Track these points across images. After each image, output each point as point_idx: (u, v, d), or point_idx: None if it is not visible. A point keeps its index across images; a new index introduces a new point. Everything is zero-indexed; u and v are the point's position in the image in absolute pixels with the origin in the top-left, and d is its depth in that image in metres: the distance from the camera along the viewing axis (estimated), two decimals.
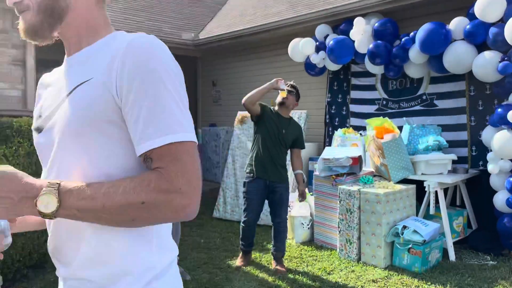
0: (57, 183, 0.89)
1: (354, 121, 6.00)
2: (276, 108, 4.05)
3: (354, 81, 6.03)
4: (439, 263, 4.26)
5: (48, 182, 0.89)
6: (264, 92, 3.84)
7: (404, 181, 4.62)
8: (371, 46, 5.13)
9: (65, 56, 1.08)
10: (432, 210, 4.45)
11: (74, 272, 1.00)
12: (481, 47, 4.40)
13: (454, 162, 4.68)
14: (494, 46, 4.27)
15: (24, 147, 3.56)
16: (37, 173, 3.72)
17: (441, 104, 5.15)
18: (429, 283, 3.77)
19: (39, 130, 1.05)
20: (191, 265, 4.24)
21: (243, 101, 3.82)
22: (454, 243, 4.46)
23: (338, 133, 5.42)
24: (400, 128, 4.92)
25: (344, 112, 6.15)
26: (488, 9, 4.12)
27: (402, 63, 5.05)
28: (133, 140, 0.92)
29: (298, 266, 4.25)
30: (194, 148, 0.93)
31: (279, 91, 3.91)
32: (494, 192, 4.38)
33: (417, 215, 4.62)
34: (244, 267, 4.06)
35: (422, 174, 4.61)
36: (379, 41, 5.10)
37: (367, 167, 5.01)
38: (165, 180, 0.87)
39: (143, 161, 0.92)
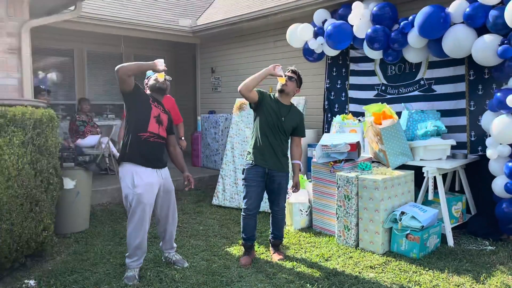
0: None
1: (353, 107, 5.95)
2: (277, 95, 3.98)
3: (353, 66, 5.96)
4: (437, 248, 4.25)
5: None
6: (260, 79, 3.77)
7: (403, 167, 4.59)
8: (369, 30, 5.06)
9: None
10: (430, 196, 4.43)
11: None
12: (481, 31, 4.33)
13: (452, 147, 4.64)
14: (494, 29, 4.20)
15: (19, 136, 3.54)
16: (31, 162, 3.71)
17: (440, 89, 5.09)
18: (427, 269, 3.76)
19: None
20: (189, 252, 4.25)
21: (239, 88, 3.76)
22: (453, 229, 4.45)
23: (337, 119, 5.38)
24: (399, 114, 4.88)
25: (343, 98, 6.09)
26: None
27: (400, 48, 4.98)
28: None
29: (296, 252, 4.25)
30: None
31: (277, 78, 3.82)
32: (493, 177, 4.35)
33: (415, 201, 4.60)
34: (248, 265, 3.87)
35: (421, 160, 4.58)
36: (377, 26, 5.03)
37: (366, 153, 4.98)
38: None
39: None
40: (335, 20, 5.69)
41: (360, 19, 5.23)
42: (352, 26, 5.39)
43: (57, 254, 4.18)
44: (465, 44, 4.37)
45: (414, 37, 4.74)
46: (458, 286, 3.46)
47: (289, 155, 4.07)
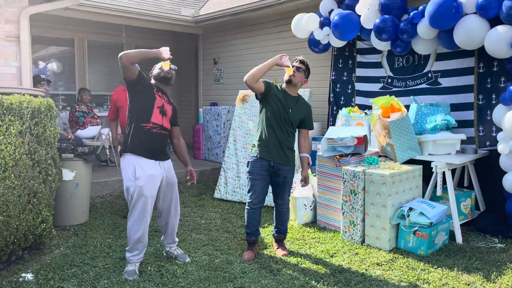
0: None
1: (359, 99, 5.82)
2: (284, 85, 3.85)
3: (360, 58, 5.83)
4: (446, 245, 4.14)
5: None
6: (266, 69, 3.64)
7: (410, 161, 4.47)
8: (377, 21, 4.91)
9: None
10: (439, 192, 4.31)
11: None
12: (493, 21, 4.19)
13: (460, 142, 4.51)
14: (507, 20, 4.06)
15: (16, 125, 3.42)
16: (29, 152, 3.60)
17: (446, 82, 4.96)
18: (435, 267, 3.66)
19: None
20: (191, 246, 4.14)
21: (245, 78, 3.64)
22: (461, 225, 4.34)
23: (343, 112, 5.26)
24: (407, 107, 4.75)
25: (349, 91, 5.96)
26: None
27: (410, 39, 4.84)
28: None
29: (301, 248, 4.14)
30: None
31: (285, 68, 3.69)
32: (504, 173, 4.24)
33: (423, 196, 4.49)
34: (251, 261, 3.78)
35: (429, 154, 4.46)
36: (386, 16, 4.88)
37: (372, 147, 4.86)
38: None
39: None
40: (342, 10, 5.54)
41: (368, 9, 5.09)
42: (359, 16, 5.25)
43: (56, 247, 4.07)
44: (478, 35, 4.23)
45: (424, 28, 4.61)
46: (469, 285, 3.35)
47: (295, 149, 3.95)
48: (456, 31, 4.36)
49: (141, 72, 3.38)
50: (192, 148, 8.44)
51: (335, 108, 6.08)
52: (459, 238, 4.23)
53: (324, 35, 5.68)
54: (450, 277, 3.48)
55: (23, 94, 3.68)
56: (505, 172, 4.21)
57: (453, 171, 4.72)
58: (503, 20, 4.10)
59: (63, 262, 3.71)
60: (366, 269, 3.64)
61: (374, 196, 4.11)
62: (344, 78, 6.02)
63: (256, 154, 3.80)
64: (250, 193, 3.83)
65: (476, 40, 4.27)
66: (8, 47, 5.13)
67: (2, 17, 5.08)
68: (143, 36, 9.68)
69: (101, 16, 7.42)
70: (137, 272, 3.47)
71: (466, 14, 4.35)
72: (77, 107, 7.15)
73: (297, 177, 4.69)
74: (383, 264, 3.74)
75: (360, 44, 5.81)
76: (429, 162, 4.36)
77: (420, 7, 4.68)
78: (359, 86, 5.83)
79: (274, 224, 4.06)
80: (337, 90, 6.09)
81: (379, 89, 5.52)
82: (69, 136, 6.04)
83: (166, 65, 3.45)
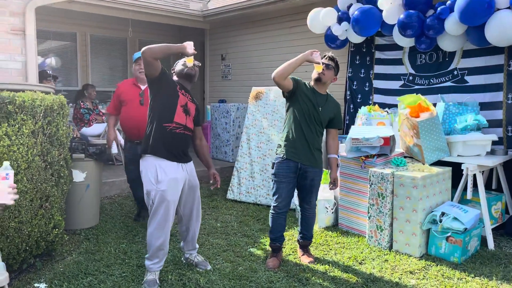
0: None
1: (377, 97, 5.61)
2: (312, 83, 3.64)
3: (378, 54, 5.62)
4: (478, 252, 3.96)
5: None
6: (296, 66, 3.42)
7: (436, 162, 4.28)
8: (402, 16, 4.70)
9: None
10: (469, 195, 4.12)
11: None
12: None
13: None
14: None
15: (28, 124, 3.18)
16: (42, 153, 3.36)
17: (473, 80, 4.76)
18: (472, 275, 3.47)
19: None
20: (210, 252, 3.93)
21: (273, 75, 3.41)
22: (491, 230, 4.15)
23: (363, 110, 5.04)
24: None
25: (366, 88, 5.76)
26: None
27: (436, 35, 4.63)
28: None
29: (326, 254, 3.94)
30: None
31: (314, 64, 3.47)
32: None
33: (451, 200, 4.29)
34: (276, 268, 3.58)
35: (458, 155, 4.27)
36: (411, 11, 4.66)
37: (397, 148, 4.66)
38: None
39: None
40: (361, 5, 5.32)
41: (390, 4, 4.87)
42: (381, 11, 5.03)
43: (68, 253, 3.84)
44: (511, 31, 4.03)
45: (452, 24, 4.40)
46: None
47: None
48: (488, 27, 4.16)
49: (164, 69, 3.16)
50: None
51: (351, 106, 5.87)
52: (491, 244, 4.04)
53: (342, 31, 5.46)
54: (490, 287, 3.29)
55: (35, 91, 3.44)
56: None
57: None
58: None
59: (77, 271, 3.49)
60: (399, 278, 3.44)
61: (404, 199, 3.91)
62: (362, 76, 5.81)
63: (282, 155, 3.59)
64: (276, 197, 3.62)
65: (509, 37, 4.07)
66: (13, 41, 4.88)
67: (6, 10, 4.82)
68: (147, 31, 9.41)
69: (107, 9, 7.16)
70: (158, 282, 3.25)
71: (499, 10, 4.14)
72: (81, 104, 6.90)
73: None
74: (417, 273, 3.55)
75: (379, 40, 5.60)
76: (456, 164, 4.18)
77: (448, 2, 4.47)
78: (378, 83, 5.62)
79: (299, 230, 3.85)
80: (354, 87, 5.89)
81: (400, 86, 5.32)
82: (75, 134, 5.79)
83: (190, 61, 3.22)
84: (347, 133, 5.04)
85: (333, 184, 3.71)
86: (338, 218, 4.68)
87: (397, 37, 5.01)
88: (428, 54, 5.12)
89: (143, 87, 4.38)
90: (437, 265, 3.68)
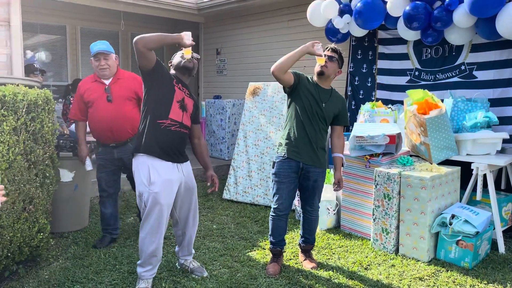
0: None
1: (381, 93, 5.39)
2: (315, 77, 3.40)
3: (382, 49, 5.40)
4: (488, 256, 3.77)
5: None
6: (296, 59, 3.19)
7: (443, 162, 4.07)
8: (408, 7, 4.48)
9: None
10: (479, 196, 3.93)
11: None
12: None
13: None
14: None
15: (10, 121, 2.93)
16: (25, 152, 3.10)
17: (482, 75, 4.55)
18: (485, 282, 3.27)
19: None
20: (207, 257, 3.70)
21: (272, 69, 3.18)
22: (502, 233, 3.96)
23: (366, 107, 4.82)
24: None
25: (369, 84, 5.53)
26: None
27: (443, 28, 4.42)
28: None
29: (329, 259, 3.72)
30: None
31: (316, 57, 3.24)
32: None
33: (460, 201, 4.09)
34: (277, 274, 3.36)
35: (467, 154, 4.06)
36: (418, 2, 4.44)
37: (402, 146, 4.44)
38: None
39: None
40: None
41: None
42: (385, 3, 4.81)
43: (54, 259, 3.59)
44: None
45: (461, 15, 4.18)
46: None
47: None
48: (499, 19, 3.95)
49: (159, 60, 2.91)
50: None
51: (353, 103, 5.66)
52: (501, 248, 3.85)
53: (344, 24, 5.23)
54: None
55: (17, 85, 3.18)
56: None
57: None
58: None
59: (63, 278, 3.24)
60: (408, 285, 3.23)
61: (411, 201, 3.70)
62: (364, 71, 5.59)
63: (283, 153, 3.36)
64: (276, 198, 3.39)
65: None
66: None
67: None
68: (140, 25, 9.12)
69: (97, 1, 6.86)
70: None
71: (511, 1, 3.94)
72: (71, 99, 6.61)
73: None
74: (426, 279, 3.34)
75: (382, 34, 5.38)
76: (464, 163, 3.98)
77: None
78: (381, 79, 5.40)
79: (301, 233, 3.63)
80: (356, 83, 5.67)
81: (406, 82, 5.11)
82: (65, 132, 5.51)
83: (187, 53, 2.97)
84: (349, 130, 4.82)
85: (338, 185, 3.49)
86: (340, 220, 4.46)
87: (402, 30, 4.79)
88: (434, 48, 4.90)
89: (107, 82, 3.77)
90: (447, 270, 3.48)
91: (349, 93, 5.73)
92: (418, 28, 4.53)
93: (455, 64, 4.72)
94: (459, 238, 3.54)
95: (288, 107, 3.41)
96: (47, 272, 3.35)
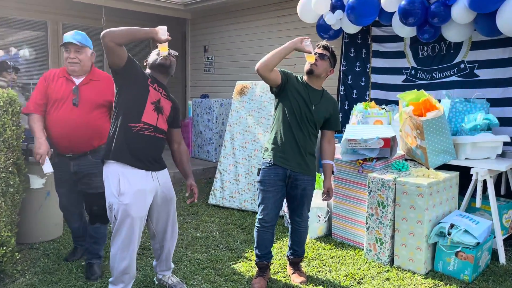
0: None
1: (375, 93, 5.14)
2: (305, 77, 3.13)
3: (376, 46, 5.14)
4: (488, 267, 3.53)
5: None
6: (283, 55, 2.91)
7: (440, 166, 3.83)
8: (403, 2, 4.22)
9: None
10: (478, 203, 3.69)
11: None
12: None
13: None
14: None
15: None
16: None
17: (484, 74, 4.31)
18: None
19: None
20: (188, 270, 3.42)
21: (256, 66, 2.90)
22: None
23: (358, 107, 4.57)
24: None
25: (363, 83, 5.28)
26: None
27: (441, 23, 4.16)
28: None
29: (319, 271, 3.46)
30: None
31: (305, 54, 2.96)
32: None
33: (458, 208, 3.86)
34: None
35: (466, 158, 3.83)
36: None
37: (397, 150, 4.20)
38: None
39: None
40: None
41: None
42: None
43: (20, 274, 3.29)
44: None
45: (460, 10, 3.93)
46: None
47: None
48: (500, 14, 3.70)
49: (130, 57, 2.63)
50: None
51: (346, 103, 5.40)
52: (502, 258, 3.62)
53: (336, 20, 4.97)
54: None
55: None
56: None
57: None
58: None
59: None
60: None
61: (407, 209, 3.45)
62: (357, 69, 5.33)
63: (269, 159, 3.08)
64: (261, 208, 3.12)
65: None
66: None
67: None
68: (123, 20, 8.76)
69: None
70: None
71: None
72: None
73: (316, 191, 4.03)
74: None
75: (376, 31, 5.12)
76: (462, 167, 3.75)
77: None
78: (376, 78, 5.15)
79: (289, 244, 3.37)
80: (349, 82, 5.41)
81: (402, 81, 4.85)
82: None
83: (164, 49, 2.69)
84: (341, 132, 4.56)
85: (327, 194, 3.22)
86: (331, 228, 4.21)
87: (397, 27, 4.54)
88: (431, 45, 4.66)
89: (77, 81, 3.17)
90: (446, 284, 3.23)
91: (341, 93, 5.47)
92: (414, 24, 4.28)
93: (454, 62, 4.48)
94: (459, 249, 3.30)
95: (275, 108, 3.14)
96: None
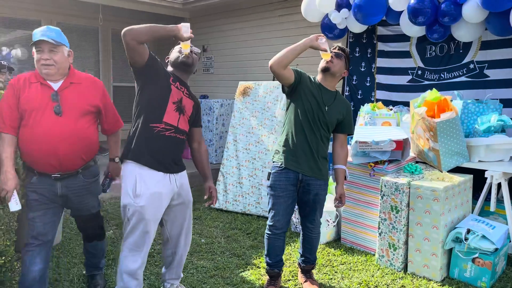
0: None
1: (381, 94, 5.04)
2: (319, 77, 3.01)
3: (382, 46, 5.04)
4: (504, 273, 3.43)
5: None
6: (298, 52, 2.79)
7: (452, 169, 3.73)
8: (412, 1, 4.12)
9: None
10: (493, 207, 3.59)
11: None
12: None
13: None
14: None
15: None
16: None
17: (494, 74, 4.23)
18: None
19: None
20: (195, 279, 3.29)
21: (270, 63, 2.77)
22: None
23: (366, 108, 4.46)
24: None
25: (368, 84, 5.17)
26: None
27: (451, 23, 4.07)
28: None
29: (331, 279, 3.34)
30: None
31: (321, 52, 2.84)
32: None
33: (472, 212, 3.76)
34: None
35: (479, 161, 3.73)
36: None
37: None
38: None
39: None
40: None
41: None
42: None
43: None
44: None
45: (472, 9, 3.84)
46: None
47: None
48: None
49: (152, 55, 2.50)
50: None
51: (351, 104, 5.27)
52: None
53: (341, 19, 4.85)
54: None
55: None
56: None
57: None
58: None
59: None
60: None
61: (422, 214, 3.34)
62: (362, 70, 5.23)
63: (280, 163, 2.96)
64: (272, 214, 3.00)
65: None
66: None
67: None
68: (121, 20, 8.62)
69: None
70: None
71: None
72: None
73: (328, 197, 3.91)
74: None
75: (382, 30, 5.02)
76: (475, 170, 3.65)
77: None
78: (381, 78, 5.05)
79: (301, 251, 3.24)
80: (354, 82, 5.30)
81: (408, 82, 4.76)
82: None
83: (185, 47, 2.56)
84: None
85: (339, 200, 3.09)
86: (340, 232, 4.09)
87: (405, 26, 4.43)
88: (439, 45, 4.56)
89: (55, 86, 2.58)
90: None
91: (346, 94, 5.37)
92: (424, 23, 4.18)
93: (462, 62, 4.39)
94: (476, 255, 3.19)
95: (287, 109, 3.02)
96: None
